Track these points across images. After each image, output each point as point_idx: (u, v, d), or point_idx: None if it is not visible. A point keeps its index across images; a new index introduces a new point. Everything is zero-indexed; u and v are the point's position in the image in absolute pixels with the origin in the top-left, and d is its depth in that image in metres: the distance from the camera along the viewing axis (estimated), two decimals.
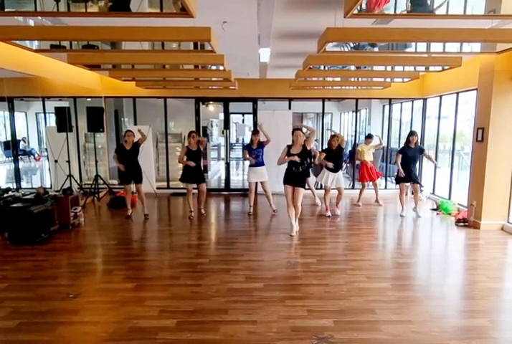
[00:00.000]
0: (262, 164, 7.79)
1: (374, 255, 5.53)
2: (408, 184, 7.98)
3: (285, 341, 3.21)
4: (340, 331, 3.36)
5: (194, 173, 7.38)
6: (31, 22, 4.92)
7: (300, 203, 6.43)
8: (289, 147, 6.40)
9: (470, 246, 6.10)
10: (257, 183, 7.93)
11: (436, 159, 9.01)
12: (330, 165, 7.49)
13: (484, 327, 3.47)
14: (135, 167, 7.45)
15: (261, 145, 7.70)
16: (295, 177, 6.29)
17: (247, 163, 8.00)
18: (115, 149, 7.66)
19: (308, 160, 6.38)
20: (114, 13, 3.86)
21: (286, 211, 6.57)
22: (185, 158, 7.33)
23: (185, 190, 7.71)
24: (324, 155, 7.62)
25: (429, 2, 4.12)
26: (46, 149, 10.33)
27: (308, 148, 6.29)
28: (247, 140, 18.30)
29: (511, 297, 4.24)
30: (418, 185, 7.72)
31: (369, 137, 8.89)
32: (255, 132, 7.85)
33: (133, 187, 7.70)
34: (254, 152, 7.67)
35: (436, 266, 5.23)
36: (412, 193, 8.10)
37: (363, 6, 3.95)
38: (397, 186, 7.90)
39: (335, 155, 7.57)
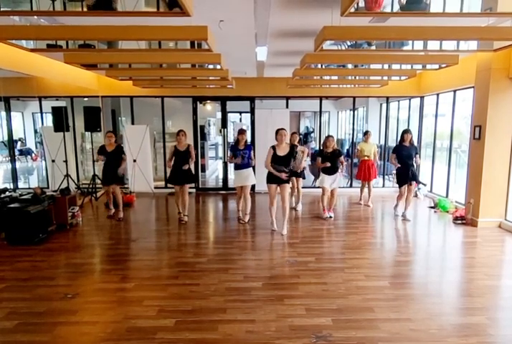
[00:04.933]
0: (247, 166, 7.10)
1: (372, 253, 5.54)
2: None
3: (284, 340, 3.21)
4: (338, 329, 3.36)
5: (182, 174, 7.06)
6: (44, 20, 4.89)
7: (288, 201, 6.56)
8: (274, 148, 6.33)
9: (467, 243, 6.12)
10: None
11: (433, 157, 9.04)
12: (328, 164, 7.19)
13: (482, 325, 3.48)
14: (113, 169, 7.32)
15: (248, 146, 7.18)
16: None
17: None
18: (98, 150, 7.51)
19: (293, 162, 6.50)
20: (110, 13, 3.84)
21: (268, 209, 6.65)
22: (173, 159, 7.06)
23: None
24: (320, 159, 7.35)
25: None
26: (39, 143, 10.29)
27: (295, 149, 6.49)
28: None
29: (509, 295, 4.25)
30: (412, 186, 7.50)
31: (365, 133, 8.81)
32: (241, 131, 7.22)
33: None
34: (240, 153, 7.01)
35: (434, 264, 5.24)
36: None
37: (361, 5, 3.95)
38: (396, 185, 7.82)
39: (330, 158, 7.25)
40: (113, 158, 7.34)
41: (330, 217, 7.42)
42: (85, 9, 4.21)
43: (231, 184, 10.84)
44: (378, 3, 3.84)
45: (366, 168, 8.52)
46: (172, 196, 9.69)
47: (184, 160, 7.04)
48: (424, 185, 8.78)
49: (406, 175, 7.24)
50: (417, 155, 7.39)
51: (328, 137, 7.46)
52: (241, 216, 7.32)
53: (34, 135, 12.58)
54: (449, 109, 8.45)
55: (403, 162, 7.24)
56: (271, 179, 6.40)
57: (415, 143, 7.68)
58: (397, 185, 7.55)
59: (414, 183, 7.42)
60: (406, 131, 7.39)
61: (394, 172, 7.52)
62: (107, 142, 7.38)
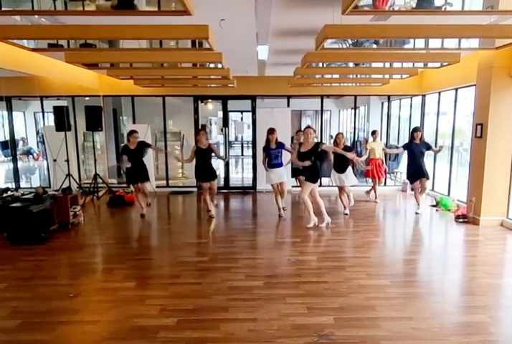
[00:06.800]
0: (280, 165, 7.27)
1: (374, 252, 5.53)
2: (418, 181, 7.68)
3: (286, 339, 3.21)
4: (340, 328, 3.36)
5: (208, 171, 7.28)
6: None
7: (318, 196, 6.65)
8: (300, 144, 6.66)
9: (469, 242, 6.11)
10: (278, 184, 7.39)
11: (435, 155, 9.02)
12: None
13: (484, 323, 3.47)
14: (140, 166, 7.35)
15: (280, 145, 7.20)
16: (305, 172, 6.62)
17: (248, 161, 7.83)
18: (121, 151, 7.44)
19: (313, 158, 6.54)
20: (112, 12, 3.85)
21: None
22: (193, 156, 7.19)
23: (184, 189, 7.64)
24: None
25: None
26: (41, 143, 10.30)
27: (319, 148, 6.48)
28: (246, 138, 18.32)
29: (511, 293, 4.24)
30: (424, 182, 7.54)
31: (373, 133, 8.84)
32: (271, 130, 7.20)
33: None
34: (274, 152, 7.14)
35: (435, 263, 5.23)
36: (412, 190, 7.95)
37: (366, 2, 3.95)
38: (397, 184, 7.88)
39: (340, 155, 7.23)
40: (137, 156, 7.29)
41: (346, 213, 7.55)
42: (89, 8, 4.22)
43: (232, 183, 10.88)
44: (385, 1, 3.84)
45: (376, 167, 8.60)
46: (173, 195, 9.74)
47: (207, 157, 7.21)
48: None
49: (418, 172, 7.42)
50: (432, 148, 7.59)
51: (339, 134, 7.66)
52: (282, 214, 7.38)
53: (36, 134, 12.62)
54: (451, 107, 8.43)
55: (414, 159, 7.46)
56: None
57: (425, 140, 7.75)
58: (408, 182, 7.63)
59: (425, 179, 7.47)
60: (415, 129, 7.55)
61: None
62: (131, 141, 7.28)
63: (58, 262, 5.14)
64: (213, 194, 7.61)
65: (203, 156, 7.18)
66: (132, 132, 7.33)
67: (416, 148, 7.39)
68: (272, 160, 7.22)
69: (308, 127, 6.82)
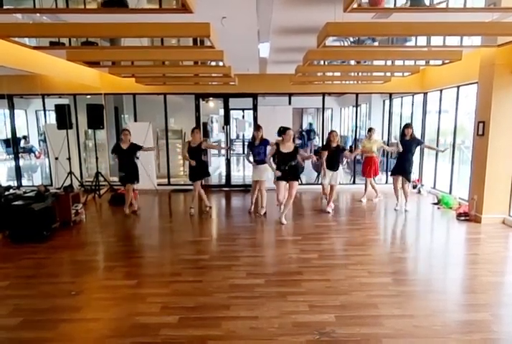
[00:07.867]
0: (263, 162, 7.19)
1: (375, 250, 5.53)
2: (401, 177, 7.72)
3: (287, 336, 3.21)
4: (341, 326, 3.36)
5: (198, 170, 7.36)
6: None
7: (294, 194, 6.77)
8: (277, 145, 6.62)
9: (471, 240, 6.10)
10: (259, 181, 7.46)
11: (437, 153, 8.99)
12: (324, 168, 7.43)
13: (485, 321, 3.47)
14: (130, 167, 7.38)
15: (264, 142, 7.24)
16: (287, 172, 6.59)
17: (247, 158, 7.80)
18: (112, 149, 7.58)
19: (295, 161, 6.63)
20: (113, 10, 3.85)
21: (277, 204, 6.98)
22: (187, 155, 7.31)
23: (185, 187, 7.65)
24: (326, 153, 7.42)
25: None
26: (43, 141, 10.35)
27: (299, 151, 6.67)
28: (248, 136, 18.35)
29: None
30: (407, 181, 7.64)
31: (369, 130, 8.79)
32: (256, 127, 7.45)
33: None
34: (256, 149, 7.29)
35: (437, 261, 5.23)
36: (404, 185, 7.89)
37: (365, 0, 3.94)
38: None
39: (333, 152, 7.38)
40: (128, 156, 7.33)
41: (328, 212, 7.49)
42: (90, 6, 4.21)
43: (234, 181, 10.88)
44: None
45: (368, 165, 8.56)
46: (174, 193, 9.74)
47: (198, 156, 7.31)
48: (409, 182, 8.38)
49: (400, 167, 7.56)
50: (423, 145, 7.82)
51: (332, 132, 7.59)
52: (251, 210, 7.56)
53: (38, 132, 12.61)
54: (453, 105, 8.41)
55: (401, 155, 7.55)
56: (279, 177, 6.66)
57: (418, 137, 7.86)
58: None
59: (405, 179, 7.61)
60: (406, 126, 7.62)
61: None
62: (122, 140, 7.34)
63: (60, 260, 5.15)
64: (200, 195, 7.60)
65: (193, 155, 7.28)
66: (123, 131, 7.39)
67: (405, 145, 7.45)
68: (255, 156, 7.34)
69: (288, 128, 6.73)
